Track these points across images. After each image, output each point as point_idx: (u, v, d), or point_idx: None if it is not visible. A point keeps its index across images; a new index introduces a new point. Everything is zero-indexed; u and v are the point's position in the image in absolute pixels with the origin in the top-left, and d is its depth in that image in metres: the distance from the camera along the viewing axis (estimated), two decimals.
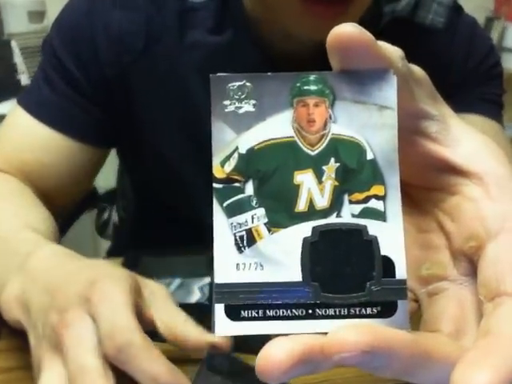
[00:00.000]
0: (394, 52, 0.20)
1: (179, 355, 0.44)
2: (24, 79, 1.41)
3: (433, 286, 0.22)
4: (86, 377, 0.28)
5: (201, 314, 0.42)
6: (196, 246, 0.49)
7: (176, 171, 0.59)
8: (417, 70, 0.22)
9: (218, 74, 0.20)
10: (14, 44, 1.40)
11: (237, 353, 0.44)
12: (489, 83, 0.61)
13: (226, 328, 0.19)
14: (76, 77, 0.54)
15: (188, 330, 0.33)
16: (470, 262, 0.21)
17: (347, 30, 0.19)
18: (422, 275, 0.23)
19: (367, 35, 0.19)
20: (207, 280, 0.51)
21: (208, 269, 0.51)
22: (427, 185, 0.23)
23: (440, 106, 0.23)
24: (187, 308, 0.47)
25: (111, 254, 0.80)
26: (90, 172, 0.59)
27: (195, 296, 0.50)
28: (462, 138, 0.22)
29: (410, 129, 0.22)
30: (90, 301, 0.31)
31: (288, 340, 0.18)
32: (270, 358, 0.17)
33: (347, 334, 0.17)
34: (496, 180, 0.21)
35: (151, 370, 0.29)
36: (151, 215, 0.68)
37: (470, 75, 0.60)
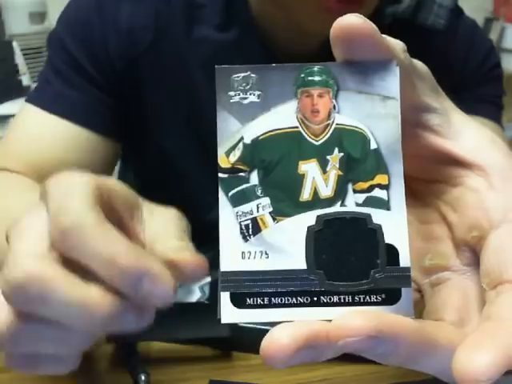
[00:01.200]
0: (396, 44, 0.21)
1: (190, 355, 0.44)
2: (25, 80, 1.42)
3: (436, 276, 0.23)
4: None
5: (201, 313, 0.42)
6: (196, 246, 0.49)
7: (177, 169, 0.59)
8: (419, 64, 0.22)
9: (223, 66, 0.20)
10: (15, 45, 1.41)
11: (234, 351, 0.44)
12: (488, 84, 0.62)
13: (231, 316, 0.19)
14: (89, 71, 0.54)
15: (169, 243, 0.26)
16: (472, 251, 0.22)
17: (351, 21, 0.19)
18: (425, 266, 0.23)
19: (371, 26, 0.19)
20: (207, 279, 0.51)
21: (208, 268, 0.51)
22: (429, 177, 0.24)
23: (442, 100, 0.23)
24: (187, 307, 0.47)
25: None
26: (107, 169, 0.57)
27: (195, 295, 0.50)
28: (463, 130, 0.23)
29: (413, 121, 0.22)
30: (46, 191, 0.24)
31: (293, 325, 0.18)
32: (275, 341, 0.17)
33: (353, 319, 0.17)
34: (498, 171, 0.21)
35: (104, 250, 0.21)
36: None
37: (470, 77, 0.60)
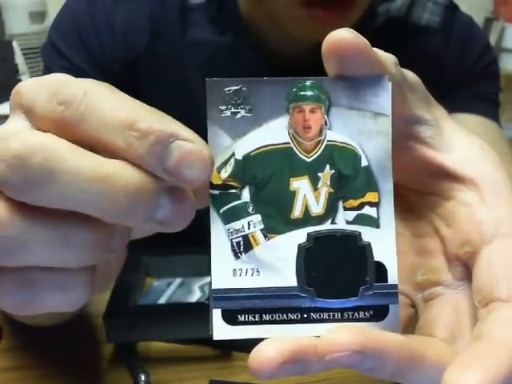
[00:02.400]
0: (387, 58, 0.21)
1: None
2: (25, 80, 1.41)
3: (428, 291, 0.23)
4: None
5: (201, 313, 0.43)
6: (196, 246, 0.50)
7: None
8: (410, 75, 0.22)
9: (214, 79, 0.20)
10: (15, 45, 1.41)
11: (234, 351, 0.44)
12: (485, 82, 0.61)
13: (223, 332, 0.19)
14: (92, 75, 0.54)
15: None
16: (464, 266, 0.22)
17: (342, 36, 0.19)
18: (418, 281, 0.23)
19: (362, 40, 0.19)
20: (207, 279, 0.51)
21: (208, 268, 0.51)
22: (422, 189, 0.24)
23: (434, 110, 0.23)
24: (187, 307, 0.47)
25: None
26: None
27: (195, 295, 0.50)
28: (455, 142, 0.22)
29: (404, 134, 0.22)
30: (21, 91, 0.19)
31: (280, 340, 0.18)
32: (262, 354, 0.18)
33: (340, 334, 0.17)
34: (490, 185, 0.21)
35: (120, 115, 0.18)
36: None
37: (467, 74, 0.60)
